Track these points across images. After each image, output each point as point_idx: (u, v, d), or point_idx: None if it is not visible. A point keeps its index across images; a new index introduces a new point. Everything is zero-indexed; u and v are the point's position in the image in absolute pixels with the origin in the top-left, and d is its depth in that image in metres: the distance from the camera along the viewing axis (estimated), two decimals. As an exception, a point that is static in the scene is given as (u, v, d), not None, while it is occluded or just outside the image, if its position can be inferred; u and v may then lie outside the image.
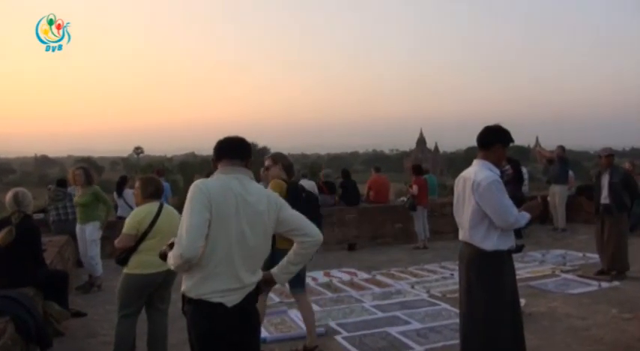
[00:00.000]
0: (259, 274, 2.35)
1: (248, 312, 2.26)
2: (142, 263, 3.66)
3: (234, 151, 2.36)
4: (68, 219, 7.15)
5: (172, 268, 2.17)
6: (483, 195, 3.05)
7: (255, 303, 2.35)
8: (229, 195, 2.20)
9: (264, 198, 2.31)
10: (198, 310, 2.19)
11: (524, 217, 3.15)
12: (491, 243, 3.09)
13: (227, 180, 2.26)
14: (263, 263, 2.41)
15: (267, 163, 4.16)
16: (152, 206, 3.79)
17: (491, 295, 3.11)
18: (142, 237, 3.67)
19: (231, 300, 2.17)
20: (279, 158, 4.17)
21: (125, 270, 3.73)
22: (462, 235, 3.29)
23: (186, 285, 2.23)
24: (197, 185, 2.19)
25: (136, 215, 3.75)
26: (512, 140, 3.25)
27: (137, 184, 3.97)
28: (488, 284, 3.12)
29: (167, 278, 3.81)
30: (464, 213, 3.23)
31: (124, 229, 3.71)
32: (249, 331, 2.28)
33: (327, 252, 8.67)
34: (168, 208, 3.89)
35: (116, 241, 3.75)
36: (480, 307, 3.14)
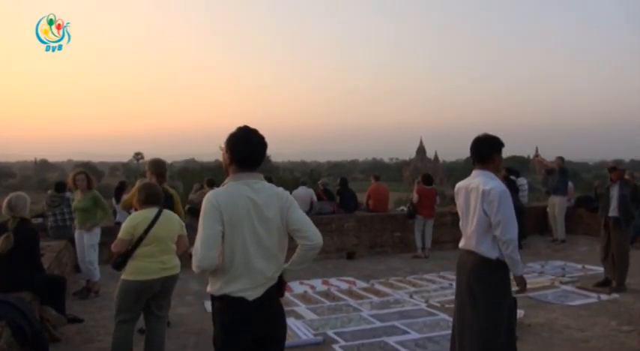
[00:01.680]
0: (281, 269, 2.43)
1: (269, 304, 2.34)
2: (138, 269, 3.64)
3: (252, 162, 2.39)
4: (66, 225, 7.12)
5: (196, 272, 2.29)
6: (492, 203, 3.05)
7: (280, 296, 2.44)
8: (240, 201, 2.28)
9: (274, 197, 2.37)
10: (222, 304, 2.32)
11: (519, 257, 3.16)
12: (496, 251, 3.12)
13: (237, 186, 2.33)
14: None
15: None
16: (149, 212, 3.76)
17: (492, 302, 3.12)
18: (137, 243, 3.64)
19: (251, 295, 2.29)
20: (150, 166, 5.07)
21: (122, 276, 3.71)
22: (465, 243, 3.27)
23: (212, 287, 2.35)
24: (208, 198, 2.29)
25: (132, 220, 3.72)
26: (503, 145, 3.30)
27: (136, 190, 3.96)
28: (492, 291, 3.14)
29: (165, 285, 3.79)
30: (469, 222, 3.23)
31: (120, 234, 3.69)
32: (270, 323, 2.37)
33: (326, 260, 8.65)
34: (167, 214, 3.86)
35: (112, 246, 3.75)
36: (481, 314, 3.14)
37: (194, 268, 2.25)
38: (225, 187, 2.36)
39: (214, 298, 2.36)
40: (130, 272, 3.65)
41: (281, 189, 2.47)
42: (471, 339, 3.17)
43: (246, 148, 2.36)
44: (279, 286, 2.41)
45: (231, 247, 2.28)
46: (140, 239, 3.64)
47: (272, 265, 2.35)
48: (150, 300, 3.78)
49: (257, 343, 2.34)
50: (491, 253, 3.11)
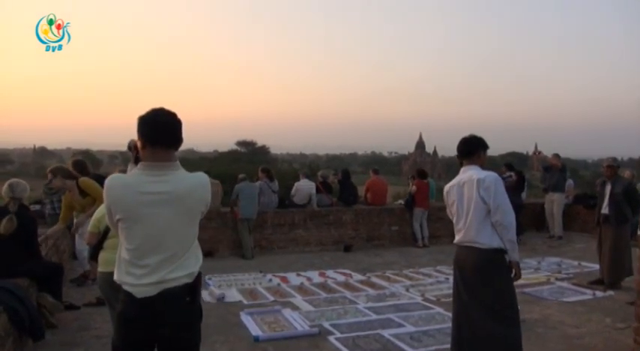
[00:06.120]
0: (189, 269, 2.19)
1: (162, 306, 2.12)
2: (106, 261, 3.59)
3: (162, 143, 2.14)
4: (63, 212, 7.08)
5: None
6: (489, 189, 3.16)
7: (182, 299, 2.16)
8: (132, 194, 2.12)
9: (188, 188, 2.18)
10: (119, 292, 2.22)
11: (516, 246, 3.25)
12: (496, 240, 3.20)
13: (138, 177, 2.15)
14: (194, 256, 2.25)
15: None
16: None
17: (499, 294, 3.22)
18: (105, 235, 3.62)
19: (140, 292, 2.12)
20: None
21: (98, 268, 3.72)
22: (463, 237, 3.29)
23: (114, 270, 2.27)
24: (106, 185, 2.18)
25: (97, 213, 3.70)
26: (488, 146, 3.48)
27: None
28: (497, 283, 3.23)
29: None
30: (465, 214, 3.27)
31: (88, 227, 3.72)
32: (167, 325, 2.14)
33: (323, 252, 8.67)
34: None
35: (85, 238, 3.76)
36: (490, 309, 3.19)
37: None
38: (128, 175, 2.24)
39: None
40: (100, 263, 3.64)
41: (199, 179, 2.25)
42: (480, 335, 3.20)
43: (152, 128, 2.13)
44: (190, 290, 2.17)
45: (126, 239, 2.15)
46: (106, 231, 3.61)
47: (170, 261, 2.14)
48: None
49: (146, 336, 2.16)
50: (492, 242, 3.20)
